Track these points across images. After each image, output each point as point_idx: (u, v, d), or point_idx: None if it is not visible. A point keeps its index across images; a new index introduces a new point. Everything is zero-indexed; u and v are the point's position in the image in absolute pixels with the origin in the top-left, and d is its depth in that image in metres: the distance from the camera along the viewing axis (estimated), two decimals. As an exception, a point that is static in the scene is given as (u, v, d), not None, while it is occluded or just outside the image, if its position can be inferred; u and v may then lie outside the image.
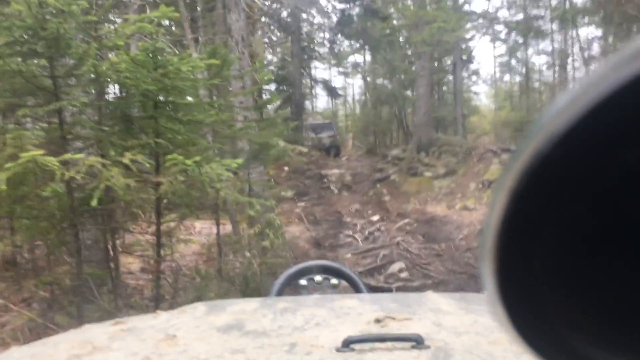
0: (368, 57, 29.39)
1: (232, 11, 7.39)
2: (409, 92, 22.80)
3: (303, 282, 1.88)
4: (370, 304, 1.35)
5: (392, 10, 18.67)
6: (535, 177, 0.25)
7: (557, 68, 28.41)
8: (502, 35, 28.66)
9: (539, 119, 0.25)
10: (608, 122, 0.24)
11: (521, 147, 0.25)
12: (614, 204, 0.27)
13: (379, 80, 25.93)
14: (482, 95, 35.21)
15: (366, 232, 10.25)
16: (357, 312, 1.28)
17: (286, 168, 17.41)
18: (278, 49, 25.82)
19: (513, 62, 31.29)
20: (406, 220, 10.91)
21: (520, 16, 26.59)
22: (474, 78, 29.58)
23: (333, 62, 27.62)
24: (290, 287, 1.90)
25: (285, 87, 22.73)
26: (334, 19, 22.12)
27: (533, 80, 30.71)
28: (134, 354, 1.00)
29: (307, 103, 32.45)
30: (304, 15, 22.41)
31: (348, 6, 20.74)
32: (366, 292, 1.82)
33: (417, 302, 1.38)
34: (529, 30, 26.35)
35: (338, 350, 0.99)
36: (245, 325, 1.17)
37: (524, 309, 0.29)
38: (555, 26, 26.53)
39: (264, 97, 15.06)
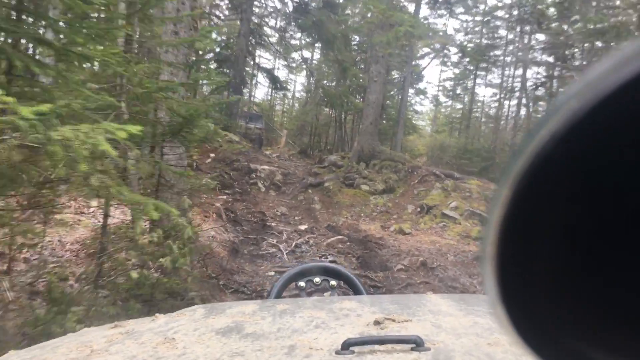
0: (317, 56, 28.27)
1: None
2: (355, 99, 21.79)
3: (302, 283, 1.86)
4: (370, 306, 1.35)
5: (349, 8, 17.44)
6: (536, 177, 0.25)
7: (501, 101, 28.41)
8: (454, 59, 28.26)
9: (540, 119, 0.25)
10: (608, 122, 0.24)
11: (522, 148, 0.25)
12: (615, 203, 0.27)
13: (326, 81, 24.72)
14: (422, 115, 35.00)
15: (293, 244, 8.85)
16: (357, 314, 1.27)
17: (212, 155, 15.70)
18: (225, 29, 24.05)
19: (459, 88, 31.14)
20: (339, 237, 9.61)
21: (475, 43, 26.22)
22: (420, 97, 29.08)
23: (281, 52, 26.05)
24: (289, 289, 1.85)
25: (225, 69, 20.94)
26: (290, 6, 20.62)
27: (475, 110, 30.66)
28: (132, 357, 1.00)
29: (246, 91, 30.89)
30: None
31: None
32: (365, 294, 1.81)
33: (417, 303, 1.38)
34: (481, 58, 26.07)
35: (337, 352, 0.98)
36: (244, 328, 1.16)
37: (523, 310, 0.30)
38: (507, 60, 26.41)
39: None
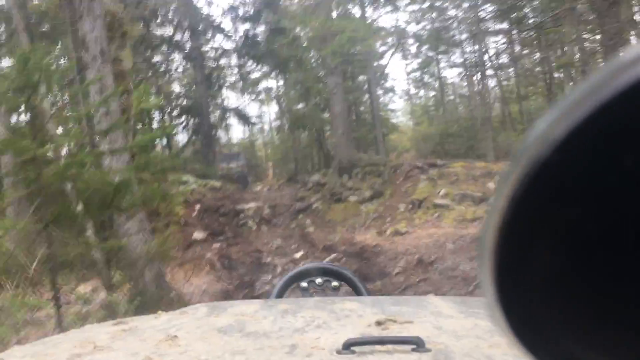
0: (281, 82, 28.31)
1: (85, 18, 5.73)
2: (326, 115, 21.73)
3: (304, 284, 1.86)
4: (371, 307, 1.35)
5: (297, 29, 17.47)
6: (534, 182, 0.26)
7: (469, 79, 28.43)
8: (413, 50, 28.31)
9: (538, 124, 0.26)
10: (607, 127, 0.24)
11: (520, 152, 0.26)
12: (613, 208, 0.27)
13: (294, 104, 24.72)
14: (399, 112, 34.96)
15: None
16: (358, 314, 1.28)
17: (198, 206, 15.56)
18: (185, 81, 24.09)
19: (426, 77, 31.17)
20: (333, 255, 9.44)
21: (429, 29, 26.29)
22: (390, 95, 29.08)
23: (244, 88, 26.08)
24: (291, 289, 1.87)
25: (193, 118, 20.94)
26: (239, 42, 20.67)
27: (447, 93, 30.68)
28: (134, 354, 0.99)
29: (222, 134, 30.88)
30: (206, 40, 20.85)
31: (251, 26, 19.35)
32: (367, 295, 1.83)
33: (418, 305, 1.40)
34: (438, 43, 26.11)
35: (339, 352, 0.98)
36: (246, 327, 1.17)
37: (522, 312, 0.30)
38: (464, 37, 26.46)
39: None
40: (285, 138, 28.66)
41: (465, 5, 24.62)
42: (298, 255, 10.66)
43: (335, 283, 1.89)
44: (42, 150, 3.28)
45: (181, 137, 26.54)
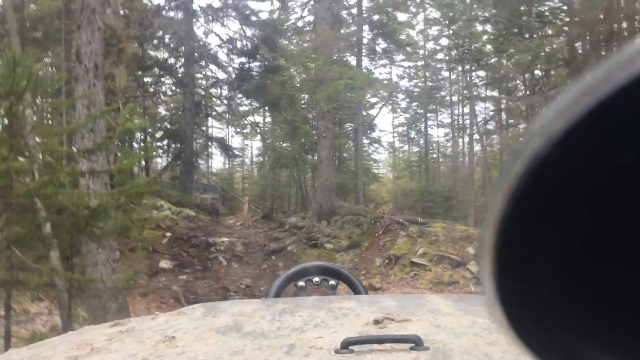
0: (268, 119, 28.24)
1: (83, 29, 5.48)
2: (309, 156, 21.59)
3: (301, 283, 1.85)
4: (369, 305, 1.35)
5: (292, 69, 17.46)
6: (534, 178, 0.26)
7: (454, 140, 28.73)
8: (403, 105, 28.61)
9: (538, 120, 0.26)
10: (607, 123, 0.24)
11: (520, 149, 0.26)
12: (613, 205, 0.27)
13: (279, 142, 24.57)
14: (381, 163, 35.06)
15: (255, 321, 8.27)
16: (356, 313, 1.28)
17: (168, 234, 15.06)
18: (172, 105, 23.80)
19: (412, 132, 31.45)
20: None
21: (421, 87, 26.66)
22: (375, 146, 29.15)
23: (230, 120, 25.89)
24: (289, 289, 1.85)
25: (175, 143, 20.58)
26: (232, 74, 20.57)
27: (431, 152, 30.90)
28: (132, 356, 1.00)
29: (202, 163, 30.49)
30: (200, 68, 20.72)
31: (247, 60, 19.28)
32: (364, 294, 1.84)
33: (416, 303, 1.39)
34: (428, 101, 26.45)
35: (337, 351, 0.98)
36: (244, 327, 1.16)
37: (522, 310, 0.30)
38: (454, 99, 26.87)
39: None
40: (265, 175, 28.39)
41: (459, 69, 25.16)
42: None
43: (332, 282, 1.88)
44: (18, 164, 2.97)
45: (160, 161, 26.21)
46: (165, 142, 22.44)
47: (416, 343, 0.98)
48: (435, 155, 31.43)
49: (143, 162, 22.48)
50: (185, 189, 18.61)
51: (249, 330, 1.14)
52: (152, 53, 19.99)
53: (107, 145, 5.15)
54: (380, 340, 1.03)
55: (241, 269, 13.61)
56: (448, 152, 31.11)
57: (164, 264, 13.39)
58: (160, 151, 23.40)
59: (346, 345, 0.98)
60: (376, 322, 1.17)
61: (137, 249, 14.12)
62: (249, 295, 11.07)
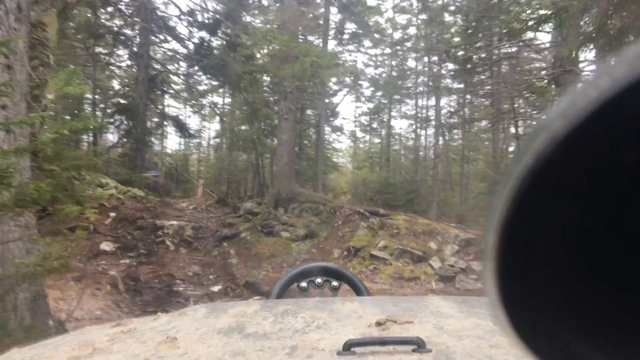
0: (228, 100, 27.16)
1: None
2: (269, 141, 20.74)
3: (304, 284, 1.87)
4: (372, 307, 1.36)
5: (255, 46, 16.50)
6: (537, 179, 0.26)
7: (417, 132, 28.35)
8: (367, 93, 28.00)
9: (542, 120, 0.26)
10: (609, 125, 0.24)
11: (523, 149, 0.26)
12: (615, 205, 0.27)
13: (238, 125, 23.59)
14: (342, 153, 34.47)
15: (200, 314, 7.44)
16: (358, 314, 1.28)
17: (112, 214, 13.99)
18: (127, 80, 22.45)
19: (375, 123, 30.93)
20: (256, 298, 8.26)
21: (386, 75, 26.09)
22: (337, 134, 28.49)
23: (188, 99, 24.70)
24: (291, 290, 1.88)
25: (127, 119, 19.34)
26: (192, 49, 19.41)
27: (393, 143, 30.46)
28: (134, 356, 1.00)
29: (157, 143, 29.17)
30: (157, 40, 19.49)
31: (208, 35, 18.17)
32: (367, 295, 1.84)
33: (419, 305, 1.39)
34: (393, 91, 25.92)
35: (339, 353, 0.97)
36: (246, 328, 1.17)
37: (524, 312, 0.30)
38: (419, 90, 26.42)
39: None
40: (222, 158, 27.46)
41: (426, 60, 24.71)
42: (216, 288, 9.42)
43: (335, 283, 1.88)
44: None
45: (112, 138, 24.84)
46: (117, 118, 21.24)
47: (418, 345, 0.97)
48: (397, 147, 31.06)
49: (91, 137, 21.21)
50: (135, 167, 17.49)
51: (251, 331, 1.13)
52: (106, 23, 18.70)
53: (23, 97, 4.23)
54: (383, 342, 1.01)
55: (190, 255, 12.70)
56: (409, 144, 30.82)
57: (106, 246, 12.36)
58: (112, 128, 22.22)
59: (348, 347, 0.96)
60: (378, 323, 1.16)
61: (77, 229, 13.06)
62: (197, 284, 10.21)
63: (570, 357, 0.30)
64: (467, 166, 25.69)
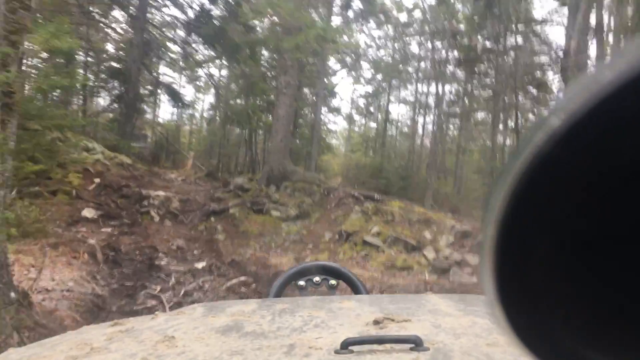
0: (225, 72, 26.48)
1: None
2: (264, 117, 20.16)
3: (302, 283, 1.86)
4: (369, 306, 1.35)
5: (257, 18, 15.82)
6: (535, 177, 0.26)
7: (415, 119, 27.85)
8: (367, 76, 27.38)
9: (540, 119, 0.26)
10: (609, 122, 0.24)
11: (521, 147, 0.26)
12: (614, 204, 0.27)
13: (233, 98, 22.95)
14: (337, 135, 33.90)
15: (181, 291, 6.94)
16: (356, 313, 1.28)
17: (97, 180, 13.42)
18: (122, 44, 21.65)
19: (372, 107, 30.36)
20: (242, 279, 7.80)
21: (388, 58, 25.48)
22: (333, 114, 27.92)
23: (184, 67, 23.95)
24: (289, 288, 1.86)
25: (118, 83, 18.65)
26: (191, 15, 18.67)
27: (389, 128, 29.94)
28: (132, 355, 0.99)
29: (149, 111, 28.47)
30: (155, 3, 18.73)
31: (208, 1, 17.44)
32: (365, 293, 1.82)
33: (416, 303, 1.39)
34: (394, 75, 25.35)
35: (337, 352, 0.97)
36: (244, 327, 1.16)
37: (522, 310, 0.30)
38: (420, 76, 25.87)
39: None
40: (215, 131, 26.85)
41: (429, 45, 24.11)
42: (200, 265, 8.94)
43: (333, 281, 1.86)
44: None
45: (103, 103, 24.10)
46: (109, 82, 20.52)
47: (416, 343, 0.96)
48: (392, 133, 30.54)
49: (82, 100, 20.50)
50: (124, 134, 16.86)
51: (248, 330, 1.13)
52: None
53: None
54: (380, 340, 1.01)
55: (175, 228, 12.19)
56: (405, 130, 30.31)
57: (88, 212, 11.81)
58: (104, 92, 21.51)
59: (346, 345, 0.96)
60: (376, 322, 1.15)
61: (58, 193, 12.50)
62: (180, 258, 9.72)
63: (567, 356, 0.30)
64: (462, 157, 25.30)
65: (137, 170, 15.59)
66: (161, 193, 13.41)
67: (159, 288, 6.99)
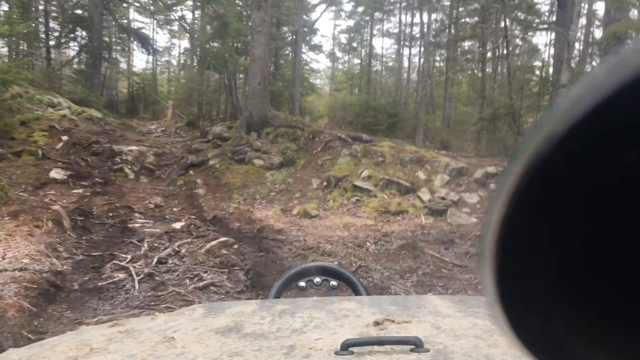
0: (198, 14, 25.00)
1: None
2: (242, 59, 19.02)
3: (302, 284, 1.85)
4: (369, 307, 1.34)
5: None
6: (535, 179, 0.26)
7: (400, 52, 26.71)
8: (348, 9, 25.99)
9: (540, 120, 0.26)
10: (608, 124, 0.24)
11: (522, 149, 0.26)
12: (614, 205, 0.27)
13: (209, 41, 21.67)
14: (320, 74, 32.69)
15: (155, 259, 6.21)
16: (356, 314, 1.27)
17: (65, 137, 12.50)
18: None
19: (355, 42, 29.06)
20: (223, 239, 7.08)
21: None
22: (315, 52, 26.69)
23: (154, 11, 22.49)
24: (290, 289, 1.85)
25: (81, 31, 17.35)
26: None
27: (374, 64, 28.77)
28: (131, 356, 0.99)
29: (122, 60, 27.10)
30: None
31: None
32: (365, 295, 1.80)
33: (417, 304, 1.37)
34: (376, 7, 24.03)
35: (337, 353, 0.96)
36: (244, 328, 1.15)
37: (522, 311, 0.30)
38: (403, 5, 24.56)
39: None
40: (192, 78, 25.67)
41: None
42: (178, 225, 8.20)
43: (333, 282, 1.85)
44: None
45: (70, 54, 22.72)
46: (76, 32, 19.16)
47: (416, 345, 0.96)
48: (378, 68, 29.40)
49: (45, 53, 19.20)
50: (92, 85, 15.76)
51: (248, 331, 1.12)
52: None
53: None
54: (381, 341, 1.01)
55: (151, 184, 11.40)
56: (391, 64, 29.19)
57: (56, 173, 10.97)
58: (68, 43, 20.16)
59: (346, 346, 0.96)
60: (376, 323, 1.15)
61: (23, 154, 11.59)
62: (157, 218, 8.97)
63: (568, 357, 0.30)
64: (451, 89, 24.39)
65: (109, 125, 14.62)
66: (134, 148, 12.53)
67: (129, 257, 6.27)
